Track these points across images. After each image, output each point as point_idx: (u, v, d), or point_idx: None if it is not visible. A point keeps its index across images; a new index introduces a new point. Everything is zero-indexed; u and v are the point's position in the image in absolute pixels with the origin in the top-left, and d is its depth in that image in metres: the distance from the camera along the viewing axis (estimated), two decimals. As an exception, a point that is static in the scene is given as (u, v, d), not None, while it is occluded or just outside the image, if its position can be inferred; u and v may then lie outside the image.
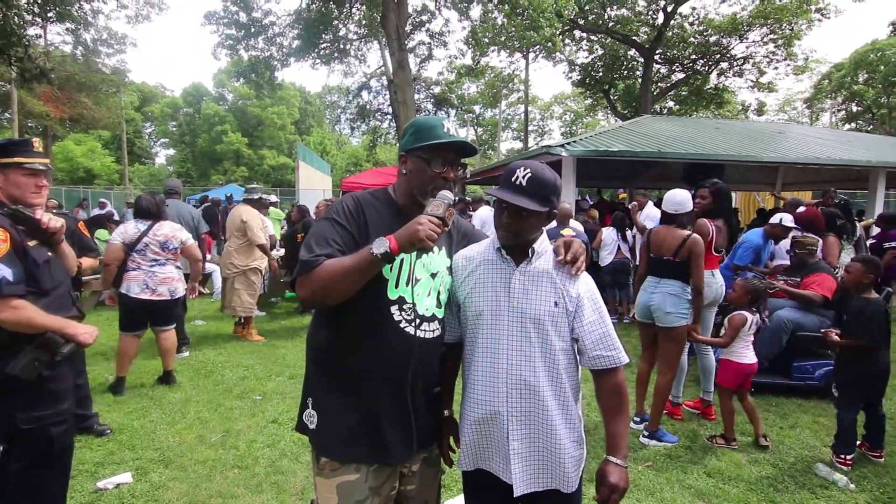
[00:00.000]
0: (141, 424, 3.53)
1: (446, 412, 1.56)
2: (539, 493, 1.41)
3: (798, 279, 4.17)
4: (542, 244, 1.44)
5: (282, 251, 8.15)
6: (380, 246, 1.24)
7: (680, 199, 3.38)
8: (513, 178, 1.35)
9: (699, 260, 3.21)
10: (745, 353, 3.32)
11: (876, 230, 7.48)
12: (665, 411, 3.72)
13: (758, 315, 3.39)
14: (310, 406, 1.45)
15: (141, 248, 3.98)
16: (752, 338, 3.35)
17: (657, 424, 3.39)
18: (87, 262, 3.17)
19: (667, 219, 3.44)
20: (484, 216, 7.86)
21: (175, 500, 2.64)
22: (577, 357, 1.45)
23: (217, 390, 4.21)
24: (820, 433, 3.49)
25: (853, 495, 2.77)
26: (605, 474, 1.36)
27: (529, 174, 1.33)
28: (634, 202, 6.82)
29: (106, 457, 3.08)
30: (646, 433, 3.39)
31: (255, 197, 5.91)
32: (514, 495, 1.38)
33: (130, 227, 4.05)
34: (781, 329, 4.05)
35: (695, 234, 3.27)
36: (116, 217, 10.79)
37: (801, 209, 5.36)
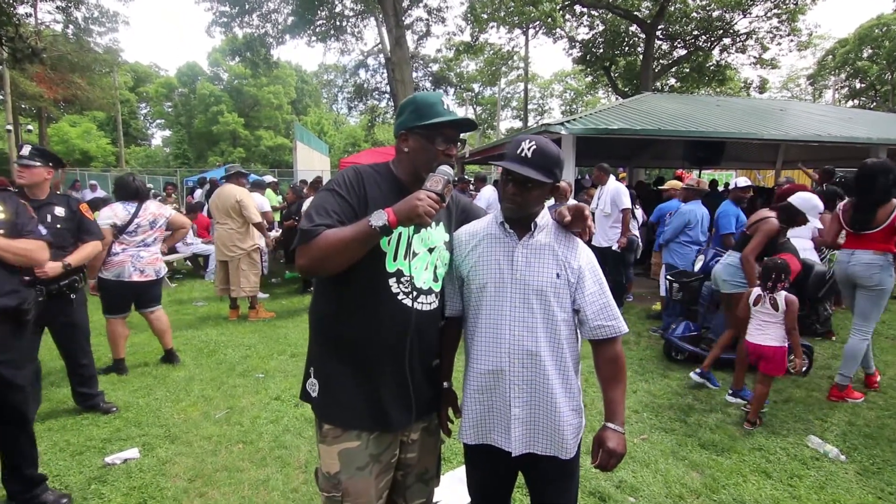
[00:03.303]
0: (146, 402, 3.59)
1: (445, 384, 1.59)
2: (538, 459, 1.45)
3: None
4: (544, 218, 1.47)
5: (279, 231, 8.16)
6: (378, 218, 1.26)
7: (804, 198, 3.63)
8: (518, 151, 1.37)
9: (758, 234, 3.61)
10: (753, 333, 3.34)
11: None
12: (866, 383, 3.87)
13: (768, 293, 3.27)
14: (312, 375, 1.49)
15: (132, 230, 3.97)
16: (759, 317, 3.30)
17: (741, 383, 3.68)
18: (88, 248, 3.19)
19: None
20: (489, 196, 7.83)
21: (181, 474, 2.71)
22: (578, 328, 1.48)
23: (220, 369, 4.27)
24: (812, 407, 3.56)
25: (843, 465, 2.84)
26: (603, 440, 1.40)
27: (535, 146, 1.36)
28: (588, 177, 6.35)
29: (113, 433, 3.15)
30: (730, 391, 3.71)
31: (234, 171, 5.85)
32: (513, 455, 1.42)
33: (120, 210, 3.99)
34: None
35: (771, 217, 3.64)
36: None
37: (784, 185, 5.43)
